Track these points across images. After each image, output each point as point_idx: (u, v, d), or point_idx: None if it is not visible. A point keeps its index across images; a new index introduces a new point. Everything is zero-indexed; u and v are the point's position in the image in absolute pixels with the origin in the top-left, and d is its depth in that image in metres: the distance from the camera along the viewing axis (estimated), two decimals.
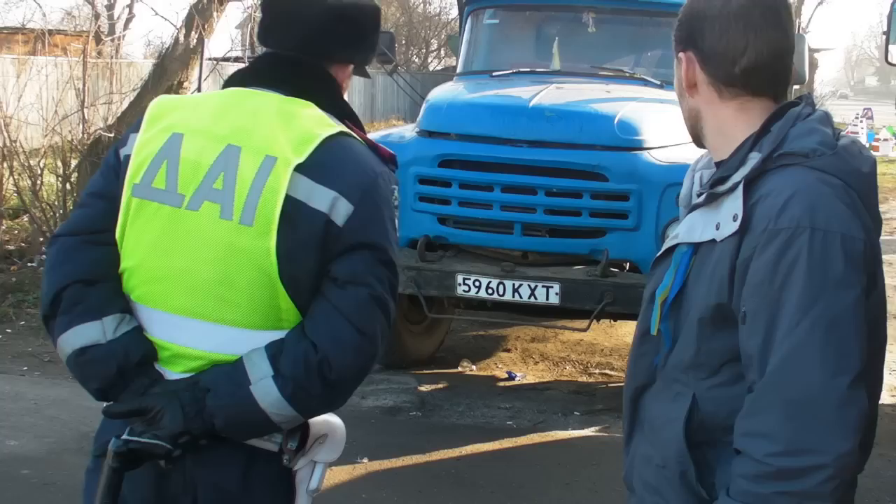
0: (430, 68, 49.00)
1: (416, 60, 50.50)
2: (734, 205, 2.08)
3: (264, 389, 2.42)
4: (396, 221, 2.61)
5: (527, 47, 8.78)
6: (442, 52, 50.82)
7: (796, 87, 9.21)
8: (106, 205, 2.56)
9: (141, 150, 2.52)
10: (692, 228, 2.21)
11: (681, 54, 2.26)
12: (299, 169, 2.43)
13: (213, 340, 2.48)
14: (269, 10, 2.72)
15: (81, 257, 2.57)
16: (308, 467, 2.70)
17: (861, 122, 36.09)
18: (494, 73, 8.16)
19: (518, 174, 6.87)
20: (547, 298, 6.67)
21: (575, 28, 8.40)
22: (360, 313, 2.46)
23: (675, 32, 2.28)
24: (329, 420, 2.73)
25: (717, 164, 2.27)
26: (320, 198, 2.43)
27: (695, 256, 2.18)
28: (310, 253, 2.44)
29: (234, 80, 2.71)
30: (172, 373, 2.52)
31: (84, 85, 11.56)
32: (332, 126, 2.53)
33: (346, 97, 2.76)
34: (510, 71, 8.13)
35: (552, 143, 6.82)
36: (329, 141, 2.48)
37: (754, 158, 2.11)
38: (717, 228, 2.11)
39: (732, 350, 2.10)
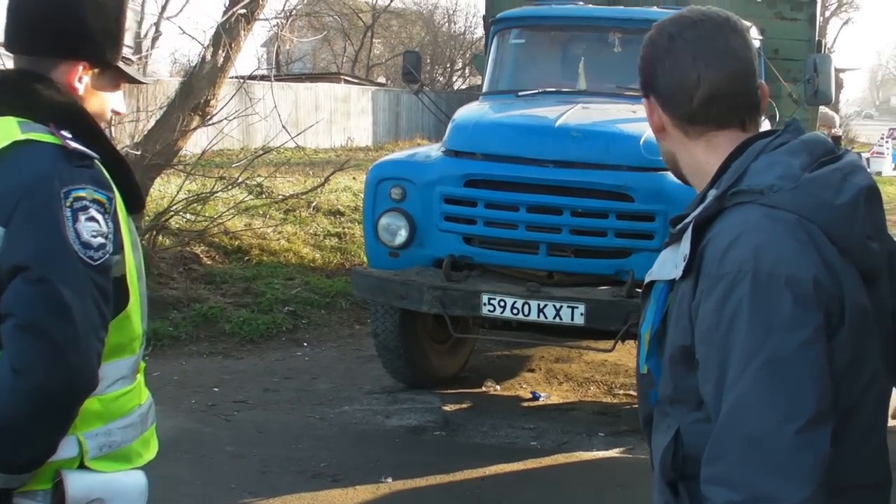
0: (455, 87, 49.14)
1: (441, 79, 50.63)
2: (685, 246, 2.03)
3: None
4: (78, 225, 2.26)
5: (553, 67, 8.77)
6: (466, 70, 50.96)
7: (823, 107, 9.20)
8: None
9: None
10: (663, 265, 2.15)
11: (644, 101, 2.24)
12: None
13: None
14: None
15: None
16: None
17: (887, 141, 35.94)
18: (520, 93, 8.16)
19: (544, 194, 6.87)
20: (572, 319, 6.65)
21: (601, 48, 8.42)
22: (10, 349, 2.17)
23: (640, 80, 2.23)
24: (110, 480, 2.41)
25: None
26: None
27: (671, 293, 2.12)
28: None
29: None
30: None
31: None
32: (5, 137, 2.30)
33: (105, 114, 2.58)
34: (536, 91, 8.13)
35: (578, 164, 6.82)
36: None
37: (711, 197, 2.04)
38: (676, 268, 2.06)
39: None
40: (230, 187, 13.38)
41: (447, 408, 7.77)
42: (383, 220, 7.28)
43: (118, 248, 2.38)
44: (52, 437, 2.26)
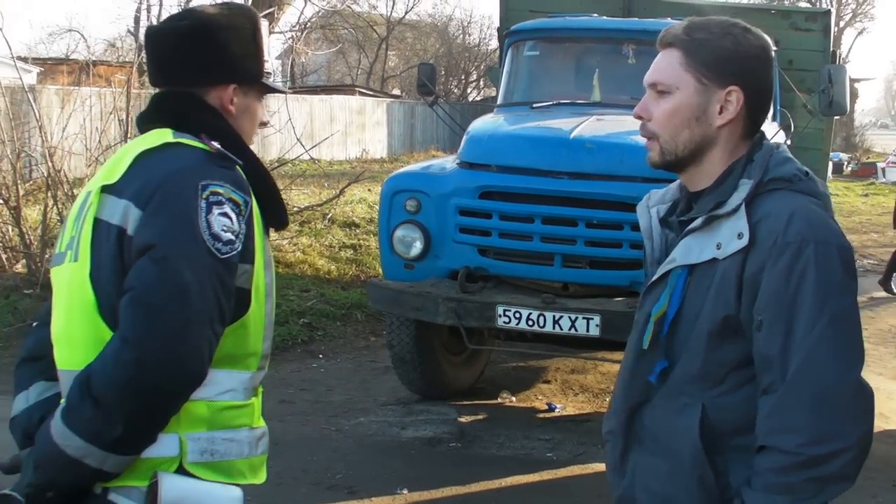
0: (470, 98, 49.18)
1: (456, 91, 50.68)
2: (738, 224, 2.29)
3: (56, 424, 2.28)
4: (210, 216, 2.33)
5: (567, 79, 8.78)
6: (481, 82, 51.00)
7: (837, 117, 9.19)
8: None
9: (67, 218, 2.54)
10: (688, 252, 2.37)
11: (732, 87, 2.37)
12: (107, 189, 2.37)
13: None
14: (145, 50, 2.69)
15: (32, 338, 2.65)
16: None
17: None
18: (535, 105, 8.17)
19: (558, 206, 6.87)
20: (587, 330, 6.65)
21: (615, 59, 8.42)
22: (123, 320, 2.25)
23: (712, 61, 2.37)
24: (206, 489, 2.40)
25: (693, 193, 2.47)
26: (114, 210, 2.34)
27: (690, 277, 2.36)
28: (115, 274, 2.32)
29: (137, 125, 2.68)
30: None
31: (127, 115, 11.66)
32: (158, 139, 2.45)
33: (254, 128, 2.71)
34: (550, 102, 8.15)
35: (592, 175, 6.82)
36: (145, 154, 2.41)
37: (747, 184, 2.33)
38: (718, 248, 2.31)
39: (738, 359, 2.33)
40: None
41: (463, 419, 7.78)
42: (398, 232, 7.29)
43: (249, 258, 2.44)
44: (148, 418, 2.28)
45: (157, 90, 2.63)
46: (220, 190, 2.36)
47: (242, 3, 2.65)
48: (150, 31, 2.64)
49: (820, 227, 2.26)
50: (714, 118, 2.39)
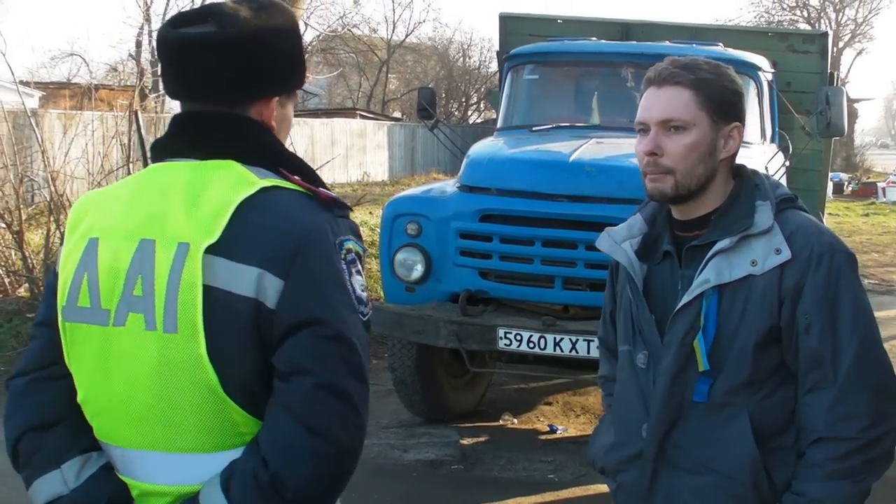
0: (471, 121, 49.27)
1: (457, 113, 50.79)
2: (774, 241, 2.49)
3: None
4: (353, 279, 2.14)
5: (566, 102, 8.83)
6: (481, 105, 51.10)
7: (836, 138, 9.22)
8: (52, 333, 2.24)
9: (65, 265, 2.18)
10: (720, 272, 2.51)
11: (735, 125, 2.58)
12: (212, 250, 2.03)
13: (170, 473, 2.12)
14: (162, 57, 2.26)
15: (31, 401, 2.28)
16: None
17: None
18: (534, 128, 8.22)
19: (558, 229, 6.90)
20: (588, 352, 6.65)
21: (614, 83, 8.47)
22: (307, 409, 2.02)
23: (717, 102, 2.54)
24: None
25: (686, 221, 2.62)
26: (242, 280, 2.03)
27: (721, 297, 2.52)
28: (248, 350, 2.05)
29: (154, 153, 2.30)
30: None
31: (129, 139, 11.71)
32: (251, 184, 2.11)
33: (288, 136, 2.38)
34: (550, 126, 8.19)
35: (592, 198, 6.84)
36: (246, 205, 2.07)
37: (765, 205, 2.54)
38: (754, 264, 2.49)
39: (776, 364, 2.53)
40: None
41: (465, 441, 7.79)
42: (399, 256, 7.32)
43: None
44: (335, 498, 2.17)
45: (184, 111, 2.26)
46: (351, 246, 2.17)
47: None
48: (176, 37, 2.19)
49: (834, 238, 2.55)
50: (720, 152, 2.57)
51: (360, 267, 2.17)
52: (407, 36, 51.61)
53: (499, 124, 8.94)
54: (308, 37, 39.08)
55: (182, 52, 2.18)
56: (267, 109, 2.25)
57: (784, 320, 2.49)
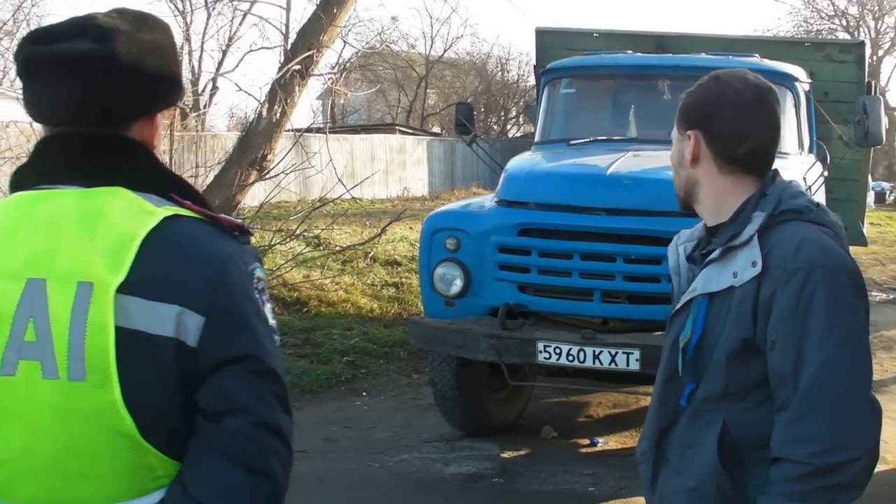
0: (510, 135, 49.27)
1: (496, 128, 50.82)
2: (751, 253, 2.47)
3: None
4: (265, 308, 2.04)
5: (603, 115, 8.85)
6: (521, 118, 51.09)
7: (875, 147, 9.19)
8: None
9: None
10: (708, 281, 2.56)
11: (689, 132, 2.63)
12: (124, 289, 1.86)
13: None
14: (25, 78, 2.04)
15: None
16: None
17: None
18: (572, 142, 8.26)
19: (597, 242, 6.93)
20: (627, 365, 6.69)
21: (650, 96, 8.48)
22: (245, 449, 1.93)
23: (681, 112, 2.67)
24: None
25: (711, 228, 2.67)
26: (160, 319, 1.89)
27: (710, 305, 2.54)
28: (168, 392, 1.92)
29: (20, 180, 2.07)
30: None
31: (171, 158, 11.81)
32: (150, 214, 1.95)
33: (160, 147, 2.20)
34: (587, 139, 8.22)
35: (630, 211, 6.88)
36: (152, 238, 1.91)
37: (759, 216, 2.52)
38: (735, 276, 2.49)
39: (758, 378, 2.48)
40: (288, 240, 13.58)
41: (505, 455, 7.81)
42: (439, 270, 7.37)
43: None
44: None
45: (57, 133, 2.05)
46: (261, 274, 2.06)
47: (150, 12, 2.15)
48: (47, 55, 1.99)
49: (828, 253, 2.44)
50: (687, 160, 2.65)
51: (267, 294, 2.07)
52: (445, 51, 51.69)
53: (536, 138, 8.99)
54: (347, 53, 39.29)
55: (56, 70, 1.98)
56: (149, 127, 2.10)
57: (758, 334, 2.46)
